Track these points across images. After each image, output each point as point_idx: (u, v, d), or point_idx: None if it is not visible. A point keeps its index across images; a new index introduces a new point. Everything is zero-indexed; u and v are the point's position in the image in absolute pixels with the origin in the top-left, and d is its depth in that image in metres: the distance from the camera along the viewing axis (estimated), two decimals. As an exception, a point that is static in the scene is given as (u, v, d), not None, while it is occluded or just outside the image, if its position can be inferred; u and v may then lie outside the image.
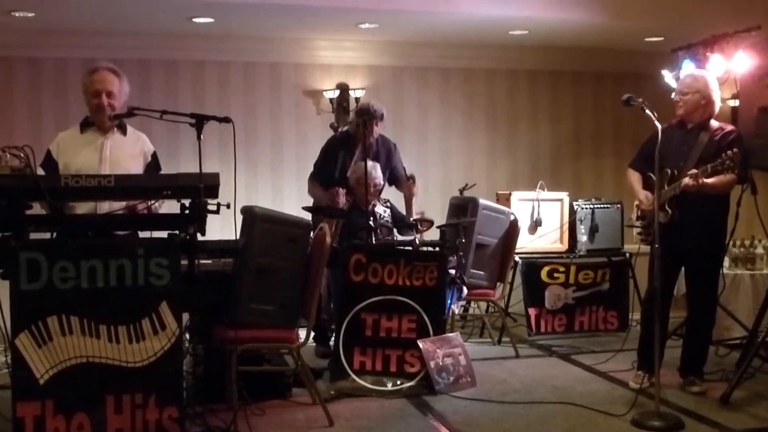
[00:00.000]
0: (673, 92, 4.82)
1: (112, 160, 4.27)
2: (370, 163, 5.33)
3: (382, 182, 5.67)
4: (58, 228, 3.69)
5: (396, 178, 5.84)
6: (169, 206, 3.81)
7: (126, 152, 4.35)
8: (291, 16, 6.16)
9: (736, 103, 6.52)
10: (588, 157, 7.91)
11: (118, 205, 3.92)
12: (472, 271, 5.75)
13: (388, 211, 5.89)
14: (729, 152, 4.32)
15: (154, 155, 4.46)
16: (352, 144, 5.67)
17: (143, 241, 3.72)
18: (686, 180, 4.42)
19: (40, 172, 3.87)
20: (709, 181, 4.40)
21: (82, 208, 4.11)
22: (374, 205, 5.45)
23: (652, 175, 4.43)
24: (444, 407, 4.46)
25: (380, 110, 5.61)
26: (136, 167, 4.35)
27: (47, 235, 3.69)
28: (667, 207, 4.50)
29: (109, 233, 3.83)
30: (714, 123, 4.67)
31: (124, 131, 4.40)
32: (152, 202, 3.86)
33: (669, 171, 4.54)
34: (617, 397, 4.63)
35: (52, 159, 4.26)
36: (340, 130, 5.89)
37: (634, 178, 4.82)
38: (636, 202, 4.90)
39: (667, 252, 4.27)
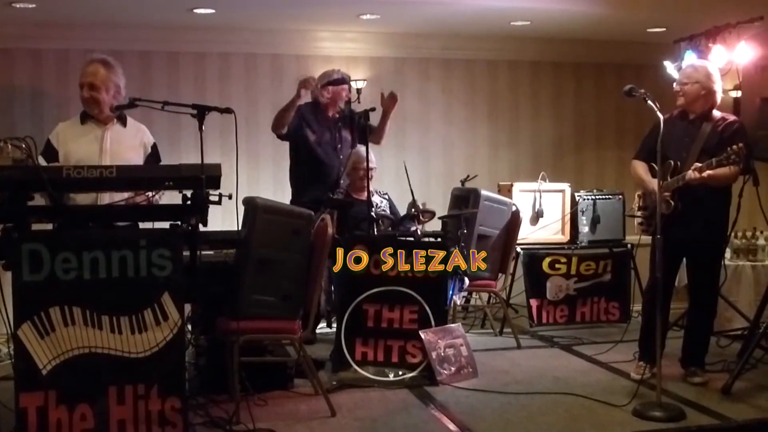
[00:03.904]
0: (674, 83, 4.81)
1: (112, 151, 4.29)
2: (362, 148, 5.40)
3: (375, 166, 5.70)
4: (60, 219, 3.70)
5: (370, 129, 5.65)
6: (171, 197, 3.81)
7: (126, 143, 4.36)
8: (292, 7, 6.14)
9: (738, 94, 6.51)
10: (590, 148, 7.90)
11: (119, 197, 3.92)
12: (473, 262, 5.75)
13: (386, 202, 5.89)
14: (735, 146, 4.31)
15: (154, 146, 4.47)
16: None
17: (145, 232, 3.71)
18: (690, 173, 4.41)
19: (41, 161, 3.87)
20: (713, 173, 4.39)
21: (82, 199, 4.11)
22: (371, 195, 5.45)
23: (654, 165, 4.42)
24: (446, 398, 4.47)
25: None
26: (137, 158, 4.36)
27: (49, 226, 3.69)
28: (669, 198, 4.50)
29: (110, 224, 3.83)
30: (716, 113, 4.66)
31: (124, 123, 4.41)
32: (153, 193, 3.86)
33: (672, 162, 4.53)
34: (619, 387, 4.63)
35: (53, 148, 4.29)
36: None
37: (641, 167, 4.77)
38: (638, 192, 4.89)
39: (669, 243, 4.27)
